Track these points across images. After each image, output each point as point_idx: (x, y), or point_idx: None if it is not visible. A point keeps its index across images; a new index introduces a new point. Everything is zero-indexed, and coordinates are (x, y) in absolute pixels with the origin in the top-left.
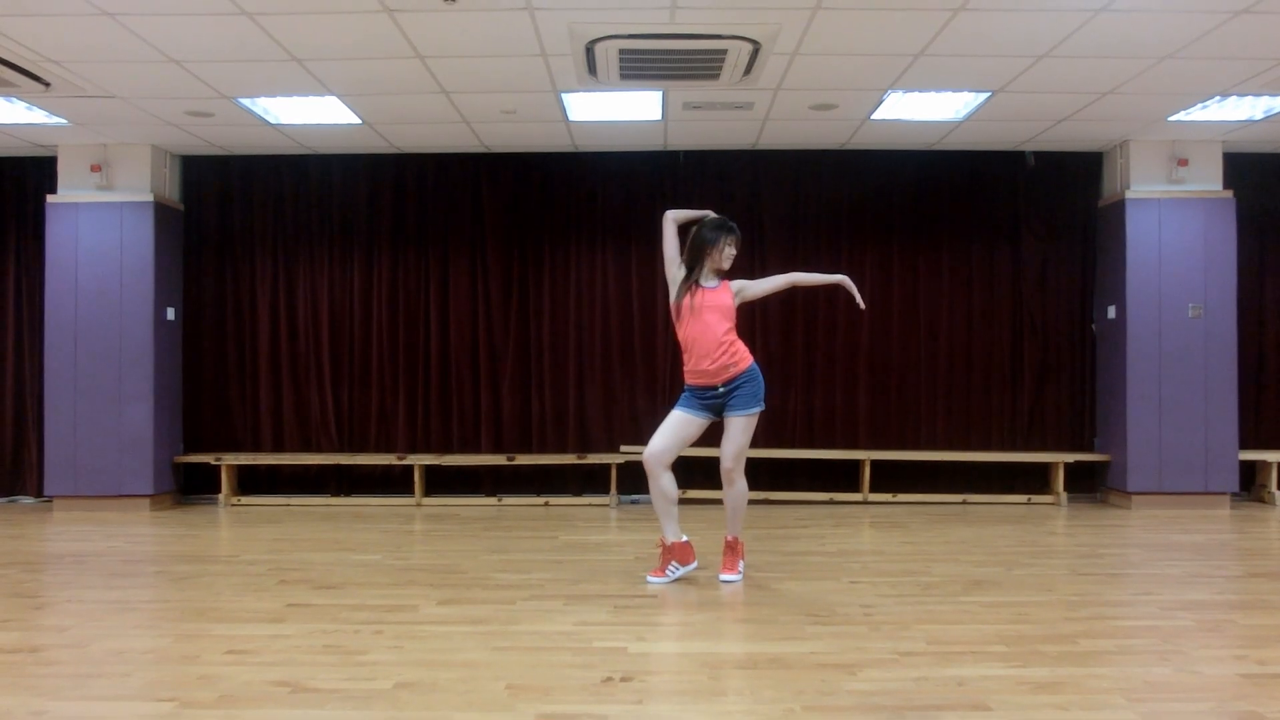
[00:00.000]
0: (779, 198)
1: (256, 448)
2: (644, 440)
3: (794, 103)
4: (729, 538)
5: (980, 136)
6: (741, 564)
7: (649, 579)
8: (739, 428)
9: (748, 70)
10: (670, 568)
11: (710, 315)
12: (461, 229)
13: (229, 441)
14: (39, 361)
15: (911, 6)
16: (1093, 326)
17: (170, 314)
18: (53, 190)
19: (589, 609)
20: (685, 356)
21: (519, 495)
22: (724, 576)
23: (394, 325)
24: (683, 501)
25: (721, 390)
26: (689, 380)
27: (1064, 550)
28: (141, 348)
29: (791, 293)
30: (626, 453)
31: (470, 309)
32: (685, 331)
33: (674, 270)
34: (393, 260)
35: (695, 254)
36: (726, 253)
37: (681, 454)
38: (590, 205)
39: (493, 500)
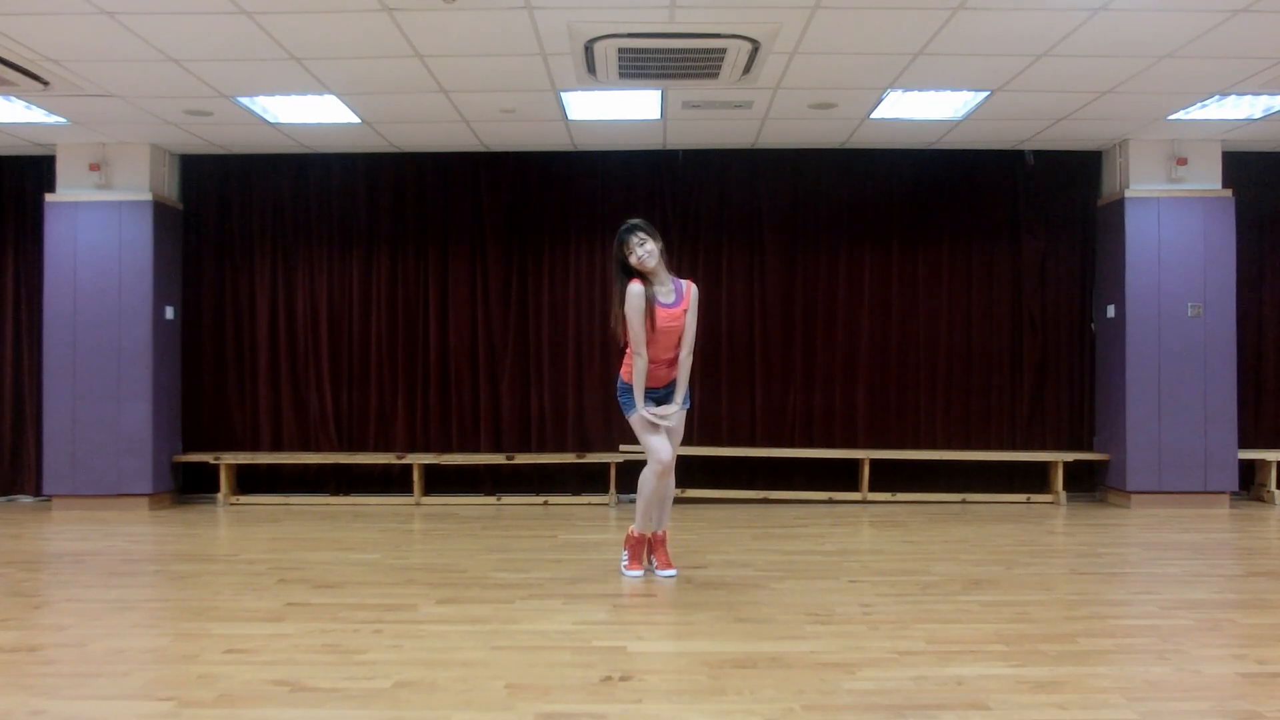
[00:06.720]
0: (778, 197)
1: (255, 447)
2: None
3: (793, 102)
4: (661, 532)
5: (979, 135)
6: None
7: (665, 574)
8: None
9: (747, 69)
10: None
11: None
12: (461, 228)
13: (228, 440)
14: (38, 360)
15: (910, 5)
16: (1092, 325)
17: (169, 313)
18: (51, 189)
19: (588, 608)
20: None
21: (518, 494)
22: (664, 573)
23: (393, 324)
24: (682, 500)
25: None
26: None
27: (1063, 549)
28: (140, 347)
29: (790, 291)
30: (626, 452)
31: (469, 308)
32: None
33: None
34: (392, 259)
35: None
36: (638, 253)
37: (679, 454)
38: (589, 204)
39: (492, 499)
